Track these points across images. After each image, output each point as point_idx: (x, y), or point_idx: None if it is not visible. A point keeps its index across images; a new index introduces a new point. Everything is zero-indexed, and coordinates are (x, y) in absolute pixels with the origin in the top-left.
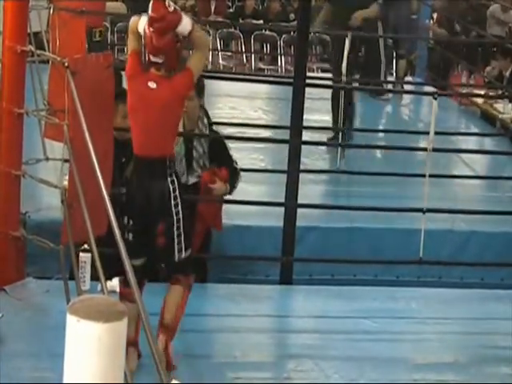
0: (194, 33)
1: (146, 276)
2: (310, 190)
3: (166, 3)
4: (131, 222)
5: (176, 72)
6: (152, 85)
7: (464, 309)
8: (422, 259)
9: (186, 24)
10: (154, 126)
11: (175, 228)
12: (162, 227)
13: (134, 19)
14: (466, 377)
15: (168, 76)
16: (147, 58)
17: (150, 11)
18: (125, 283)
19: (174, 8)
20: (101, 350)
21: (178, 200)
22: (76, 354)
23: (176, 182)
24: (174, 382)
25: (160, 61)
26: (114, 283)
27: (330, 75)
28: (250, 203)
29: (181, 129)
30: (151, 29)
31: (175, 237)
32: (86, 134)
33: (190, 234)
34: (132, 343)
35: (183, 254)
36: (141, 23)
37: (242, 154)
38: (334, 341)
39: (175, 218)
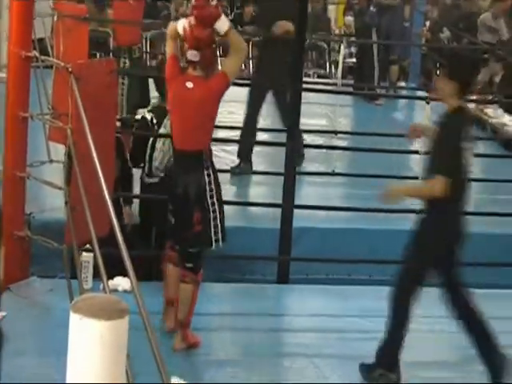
0: (231, 35)
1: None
2: (307, 191)
3: None
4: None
5: (212, 74)
6: (189, 85)
7: None
8: None
9: (224, 22)
10: (191, 123)
11: (212, 218)
12: (198, 216)
13: (171, 25)
14: (459, 374)
15: (205, 77)
16: (185, 59)
17: (192, 1)
18: (171, 247)
19: (216, 4)
20: (103, 348)
21: (214, 192)
22: (79, 351)
23: (212, 175)
24: (173, 380)
25: (196, 59)
26: (116, 282)
27: (326, 80)
28: (248, 204)
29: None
30: (192, 19)
31: (212, 226)
32: (89, 138)
33: (224, 224)
34: (172, 303)
35: (220, 243)
36: (179, 24)
37: None
38: (330, 339)
39: (211, 208)
